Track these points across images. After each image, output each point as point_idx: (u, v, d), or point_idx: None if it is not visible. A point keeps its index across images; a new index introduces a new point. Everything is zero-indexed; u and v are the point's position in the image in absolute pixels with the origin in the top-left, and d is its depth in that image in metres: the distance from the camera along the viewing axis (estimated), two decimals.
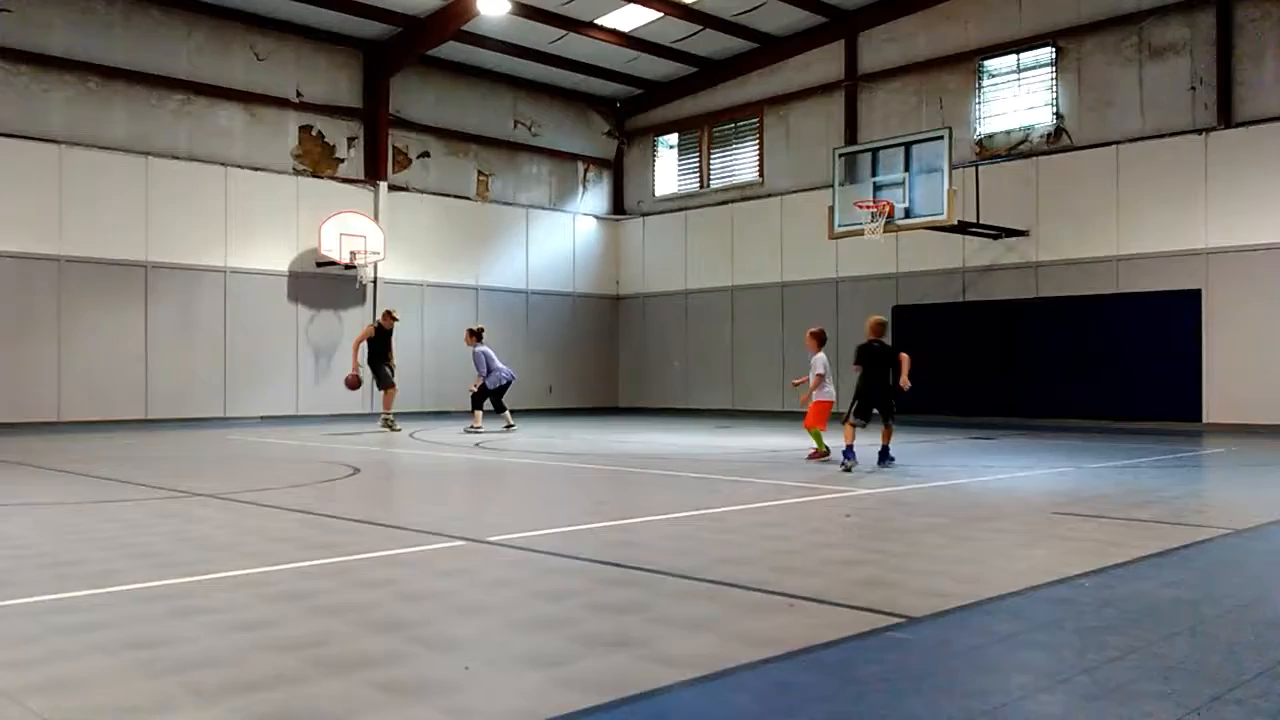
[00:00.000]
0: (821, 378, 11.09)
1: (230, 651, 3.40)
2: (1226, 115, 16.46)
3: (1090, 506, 7.18)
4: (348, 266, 19.75)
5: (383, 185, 20.94)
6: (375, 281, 20.78)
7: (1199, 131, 16.69)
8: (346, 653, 3.39)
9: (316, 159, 20.36)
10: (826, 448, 10.98)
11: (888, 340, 10.92)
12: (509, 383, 16.31)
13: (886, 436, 10.42)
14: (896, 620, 3.83)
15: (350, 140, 20.82)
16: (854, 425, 10.16)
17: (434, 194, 22.03)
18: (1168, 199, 16.95)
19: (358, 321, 20.52)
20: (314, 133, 20.36)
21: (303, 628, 3.72)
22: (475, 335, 16.52)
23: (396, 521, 6.44)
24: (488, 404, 16.19)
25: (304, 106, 20.16)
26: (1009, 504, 7.47)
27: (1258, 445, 13.28)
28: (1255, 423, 15.75)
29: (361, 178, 20.83)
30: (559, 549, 5.41)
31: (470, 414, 16.30)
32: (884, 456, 10.26)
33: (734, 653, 3.38)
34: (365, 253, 19.79)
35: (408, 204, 21.47)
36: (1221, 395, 16.32)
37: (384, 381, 16.54)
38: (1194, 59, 16.83)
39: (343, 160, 20.70)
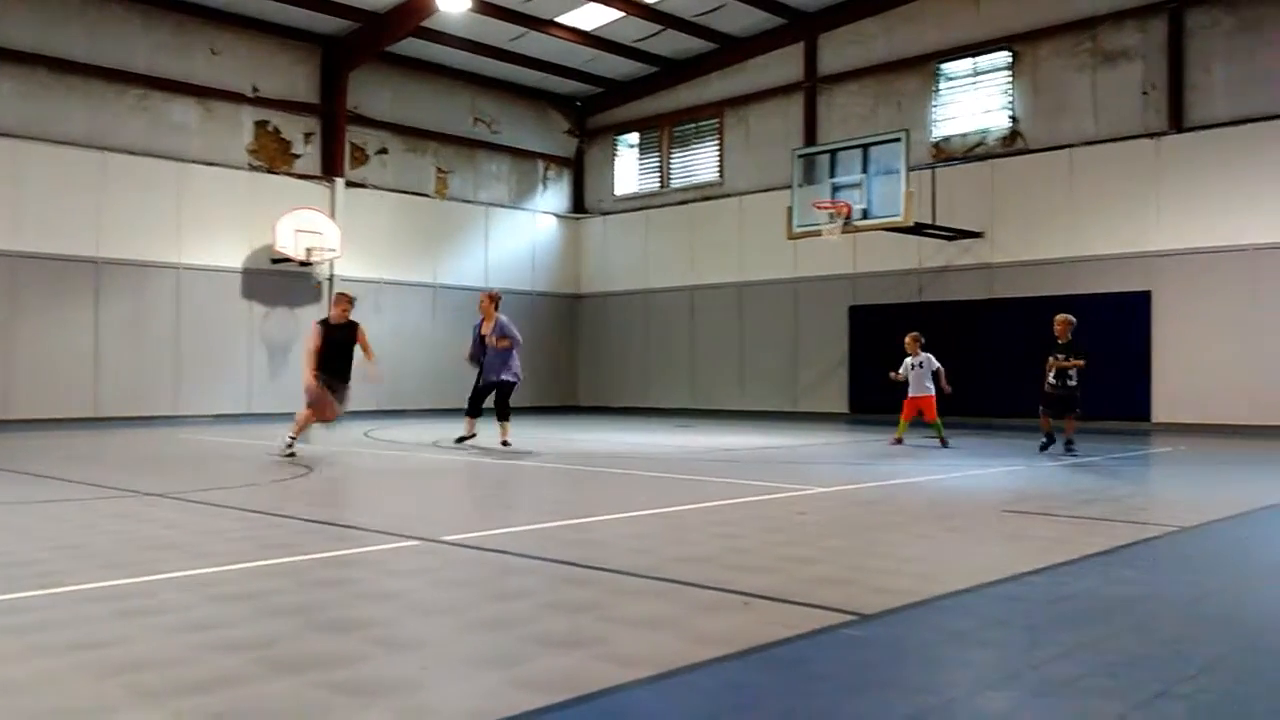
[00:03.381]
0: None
1: (177, 652, 3.35)
2: (1177, 120, 16.76)
3: (1041, 505, 7.28)
4: (303, 264, 19.55)
5: (340, 182, 20.74)
6: (331, 279, 20.57)
7: (1150, 136, 16.98)
8: (298, 653, 3.35)
9: (273, 155, 20.13)
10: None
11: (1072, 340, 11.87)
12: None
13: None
14: (850, 618, 3.85)
15: (307, 136, 20.60)
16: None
17: (392, 191, 21.86)
18: (1120, 202, 17.23)
19: (312, 318, 20.21)
20: (270, 128, 20.12)
21: (253, 628, 3.67)
22: (496, 301, 13.39)
23: (351, 521, 6.38)
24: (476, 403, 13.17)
25: (261, 102, 19.92)
26: (963, 502, 7.55)
27: (1204, 444, 13.54)
28: (1202, 422, 16.06)
29: (318, 174, 20.62)
30: (515, 548, 5.39)
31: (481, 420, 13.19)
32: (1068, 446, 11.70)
33: (689, 651, 3.38)
34: (321, 250, 19.60)
35: (365, 201, 21.29)
36: (1170, 395, 16.62)
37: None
38: (1146, 64, 17.13)
39: (299, 156, 20.47)
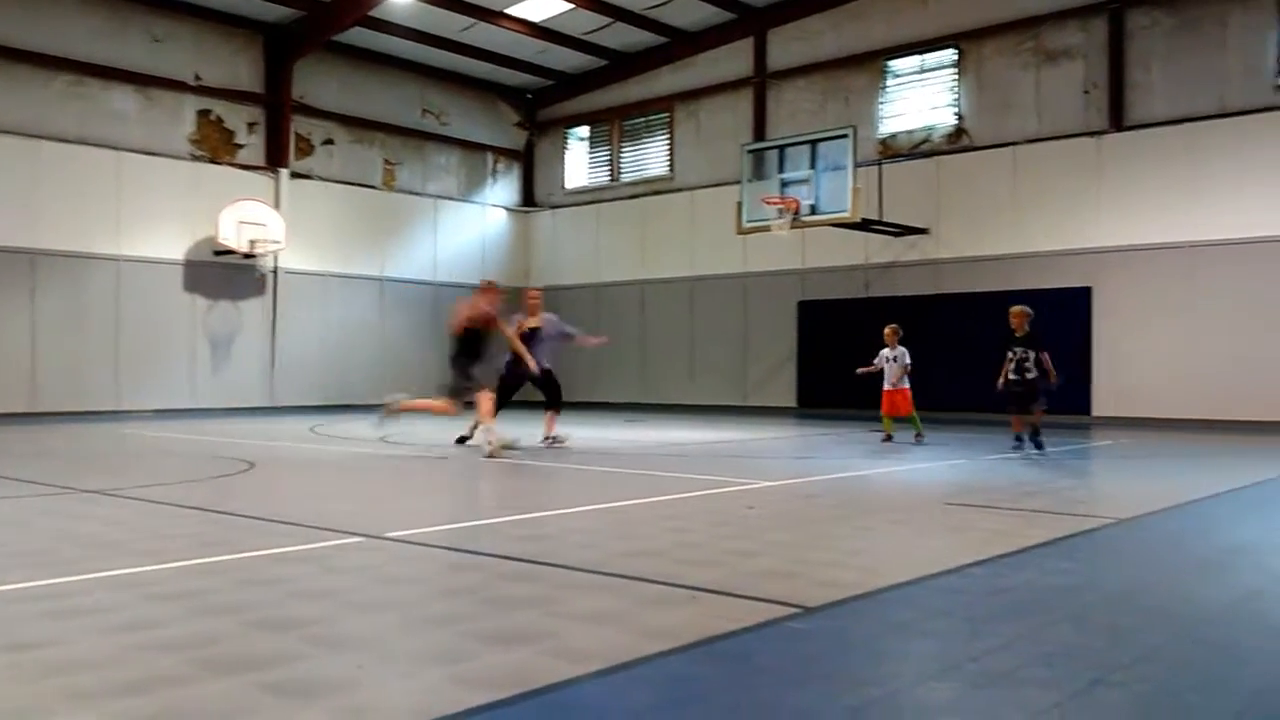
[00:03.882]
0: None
1: (111, 653, 3.27)
2: (1118, 119, 17.08)
3: (983, 497, 7.38)
4: (247, 255, 19.24)
5: (284, 173, 20.44)
6: (275, 271, 20.28)
7: (1092, 134, 17.29)
8: (234, 653, 3.29)
9: (215, 145, 19.77)
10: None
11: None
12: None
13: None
14: (795, 611, 3.87)
15: (251, 126, 20.26)
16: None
17: (338, 182, 21.58)
18: (1062, 199, 17.53)
19: (257, 311, 20.02)
20: (213, 118, 19.76)
21: (189, 628, 3.60)
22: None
23: (293, 518, 6.29)
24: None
25: (202, 91, 19.55)
26: (907, 495, 7.63)
27: (1144, 438, 13.83)
28: (1141, 416, 16.41)
29: (262, 165, 20.30)
30: (460, 544, 5.34)
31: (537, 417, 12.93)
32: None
33: (635, 646, 3.38)
34: (265, 241, 19.29)
35: (311, 192, 21.00)
36: (1110, 390, 16.96)
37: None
38: (1088, 63, 17.43)
39: (243, 146, 20.13)
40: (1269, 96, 15.90)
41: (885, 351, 12.80)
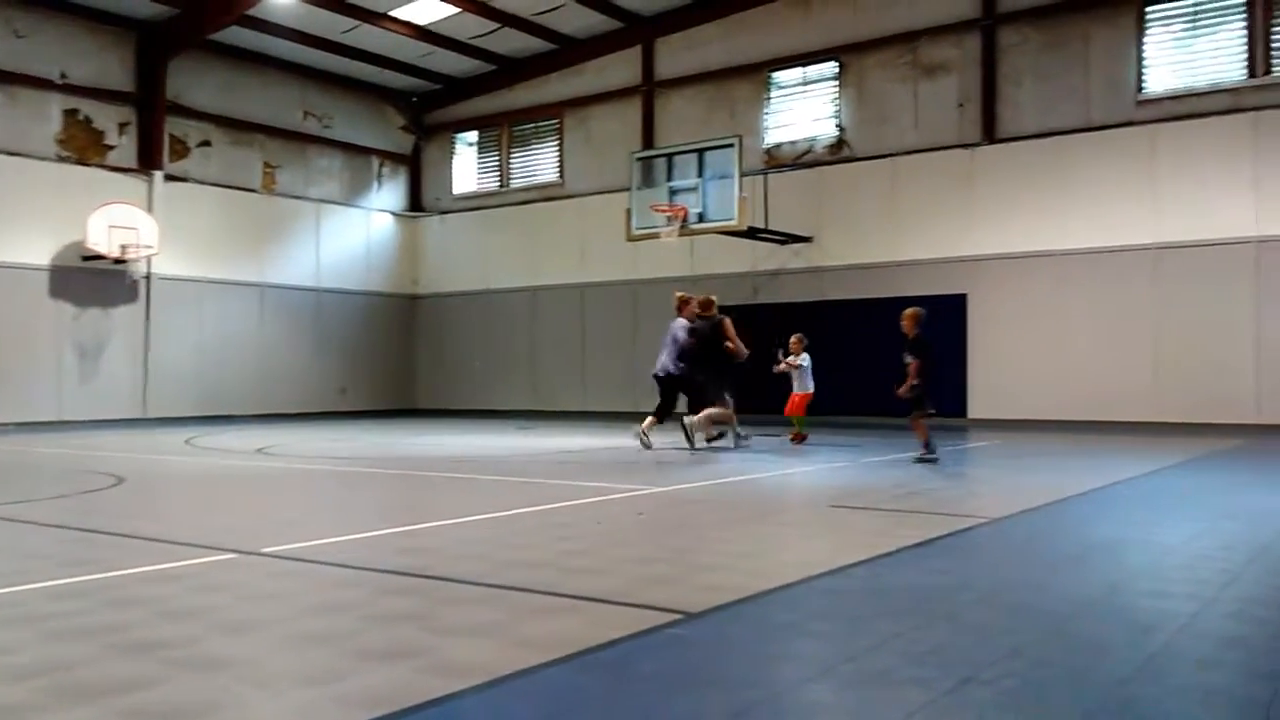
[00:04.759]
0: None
1: None
2: (990, 132, 17.74)
3: (864, 499, 7.54)
4: (118, 261, 18.47)
5: (158, 175, 19.70)
6: (149, 277, 19.52)
7: (966, 146, 17.92)
8: (92, 679, 3.13)
9: (83, 145, 18.94)
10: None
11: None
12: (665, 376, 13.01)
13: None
14: (677, 616, 3.88)
15: (122, 126, 19.47)
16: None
17: (215, 185, 20.91)
18: (938, 209, 18.11)
19: (129, 319, 19.22)
20: (81, 117, 18.93)
21: (44, 653, 3.41)
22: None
23: (163, 534, 6.04)
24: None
25: (70, 89, 18.72)
26: (792, 498, 7.76)
27: (1016, 439, 14.37)
28: (1013, 418, 17.05)
29: (134, 166, 19.53)
30: (339, 559, 5.20)
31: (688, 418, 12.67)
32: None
33: (515, 658, 3.33)
34: (137, 246, 18.56)
35: (186, 195, 20.28)
36: (984, 392, 17.57)
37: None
38: (962, 78, 18.06)
39: (113, 147, 19.33)
40: (1130, 112, 16.74)
41: (793, 358, 13.58)
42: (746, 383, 13.30)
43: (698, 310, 12.36)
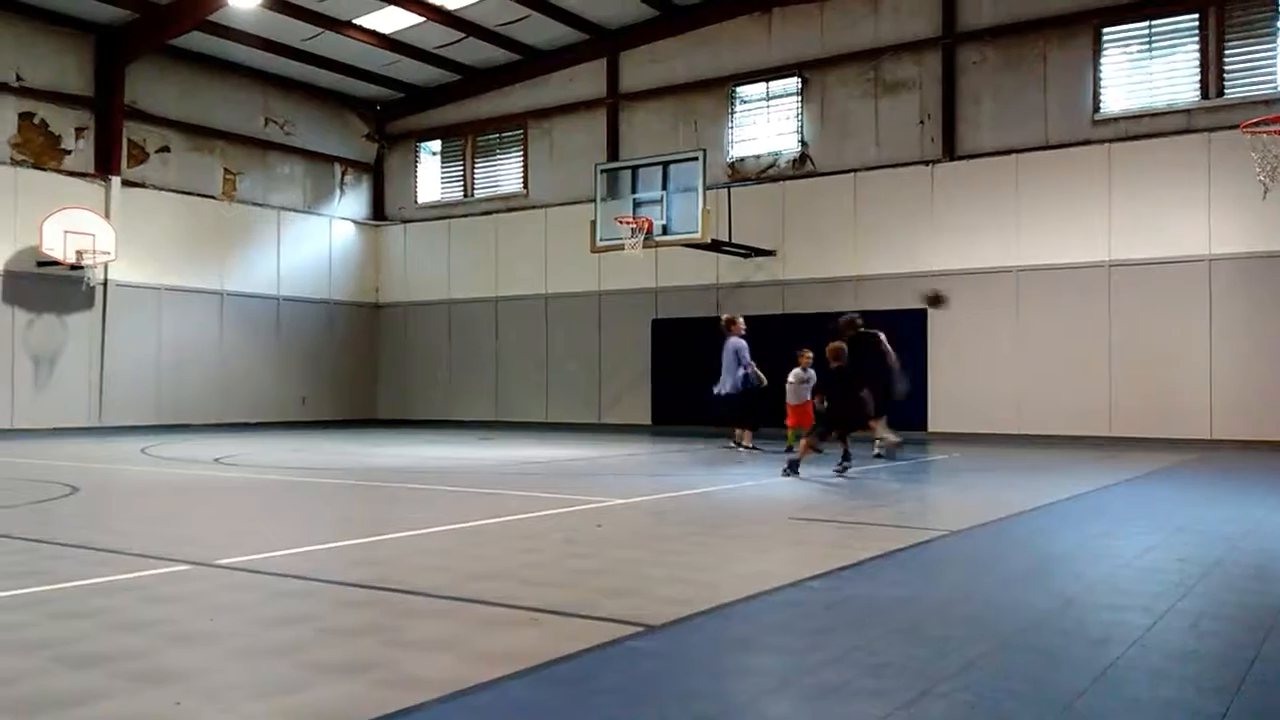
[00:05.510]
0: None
1: None
2: (950, 148, 17.95)
3: (824, 512, 7.58)
4: (74, 267, 18.16)
5: (115, 180, 19.42)
6: (105, 284, 19.22)
7: (926, 163, 18.11)
8: (36, 693, 3.06)
9: (39, 149, 18.64)
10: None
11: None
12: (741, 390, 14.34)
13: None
14: (637, 630, 3.87)
15: (79, 131, 19.19)
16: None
17: (175, 191, 20.65)
18: (899, 224, 18.28)
19: (84, 326, 18.92)
20: (36, 121, 18.63)
21: None
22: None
23: (116, 545, 5.93)
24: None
25: (25, 92, 18.42)
26: (753, 511, 7.77)
27: (975, 452, 14.51)
28: (972, 431, 17.21)
29: (91, 171, 19.24)
30: (296, 571, 5.14)
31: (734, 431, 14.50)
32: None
33: (474, 672, 3.31)
34: (93, 252, 18.26)
35: (144, 201, 20.01)
36: (944, 406, 17.73)
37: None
38: (923, 95, 18.27)
39: (70, 152, 19.05)
40: (1087, 131, 17.00)
41: (798, 370, 13.71)
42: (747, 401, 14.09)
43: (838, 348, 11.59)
